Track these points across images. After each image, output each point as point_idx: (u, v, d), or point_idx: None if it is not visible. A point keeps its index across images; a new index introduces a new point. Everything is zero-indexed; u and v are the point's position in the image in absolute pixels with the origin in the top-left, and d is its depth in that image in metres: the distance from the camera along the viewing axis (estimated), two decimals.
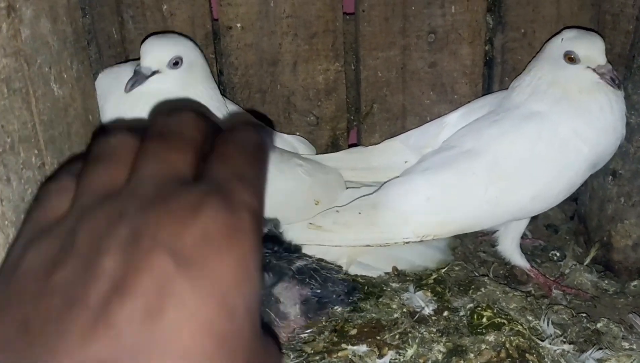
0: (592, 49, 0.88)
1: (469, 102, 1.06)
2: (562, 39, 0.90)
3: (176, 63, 0.88)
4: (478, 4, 1.04)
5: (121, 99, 0.86)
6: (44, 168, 0.67)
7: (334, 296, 0.79)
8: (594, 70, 0.88)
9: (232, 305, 0.24)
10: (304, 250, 0.97)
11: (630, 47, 0.94)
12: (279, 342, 0.39)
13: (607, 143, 0.91)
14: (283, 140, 1.05)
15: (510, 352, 0.77)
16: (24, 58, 0.63)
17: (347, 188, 1.03)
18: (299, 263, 0.77)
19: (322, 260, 0.83)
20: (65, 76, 0.74)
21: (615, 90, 0.89)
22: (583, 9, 1.04)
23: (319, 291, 0.77)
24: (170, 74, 0.88)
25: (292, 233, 0.97)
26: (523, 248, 1.03)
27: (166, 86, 0.87)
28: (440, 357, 0.79)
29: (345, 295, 0.81)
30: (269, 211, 0.94)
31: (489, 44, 1.08)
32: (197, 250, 0.24)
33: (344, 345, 0.81)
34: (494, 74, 1.10)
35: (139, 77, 0.85)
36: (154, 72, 0.86)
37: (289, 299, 0.76)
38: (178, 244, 0.24)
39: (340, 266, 0.89)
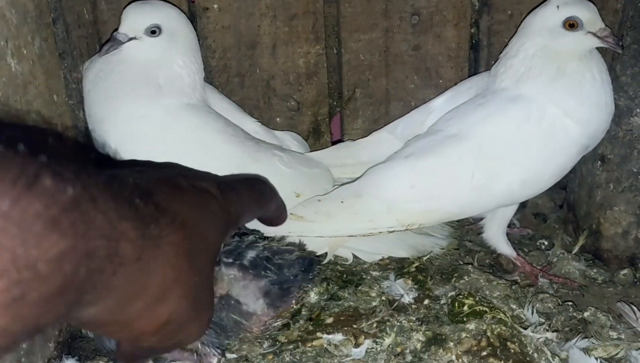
0: (593, 12, 0.86)
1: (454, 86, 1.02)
2: (557, 7, 0.87)
3: (154, 32, 0.86)
4: None
5: (101, 65, 0.86)
6: None
7: (293, 277, 0.75)
8: (594, 35, 0.85)
9: None
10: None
11: (619, 26, 0.91)
12: None
13: (599, 120, 0.88)
14: (273, 136, 1.02)
15: (492, 340, 0.74)
16: None
17: (339, 184, 0.99)
18: (250, 254, 0.74)
19: (271, 240, 0.80)
20: (25, 51, 0.71)
21: (603, 66, 0.86)
22: None
23: (276, 277, 0.74)
24: (147, 41, 0.87)
25: None
26: (511, 237, 1.00)
27: (142, 53, 0.87)
28: (419, 346, 0.76)
29: (304, 273, 0.77)
30: None
31: (474, 27, 1.05)
32: None
33: (319, 334, 0.78)
34: (480, 57, 1.07)
35: (114, 43, 0.85)
36: (130, 39, 0.85)
37: (250, 297, 0.73)
38: None
39: (293, 244, 0.85)
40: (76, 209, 0.28)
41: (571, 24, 0.86)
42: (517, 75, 0.90)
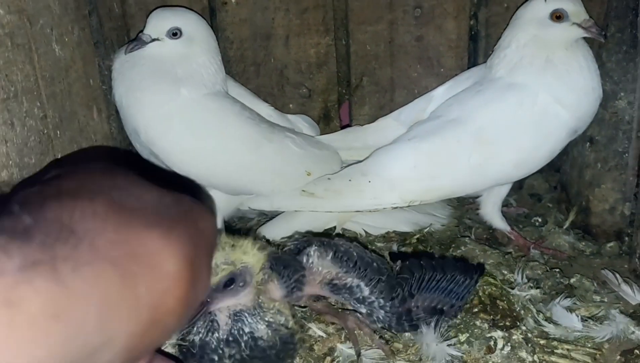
0: (577, 4, 0.93)
1: (455, 75, 1.10)
2: (545, 0, 0.94)
3: (175, 34, 0.94)
4: None
5: (124, 60, 0.94)
6: (45, 119, 0.72)
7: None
8: (579, 25, 0.92)
9: None
10: (297, 216, 1.03)
11: (604, 16, 0.99)
12: None
13: (587, 105, 0.95)
14: (286, 119, 1.10)
15: (483, 299, 0.82)
16: (27, 17, 0.69)
17: (346, 165, 1.06)
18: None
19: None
20: (66, 39, 0.80)
21: (590, 54, 0.94)
22: None
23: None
24: (169, 42, 0.95)
25: (285, 201, 1.03)
26: (508, 216, 1.07)
27: (164, 52, 0.95)
28: None
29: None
30: (260, 179, 1.00)
31: (473, 19, 1.13)
32: None
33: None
34: (479, 47, 1.14)
35: (139, 42, 0.93)
36: (153, 39, 0.93)
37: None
38: None
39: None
40: None
41: (558, 16, 0.93)
42: (511, 64, 0.97)
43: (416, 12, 1.11)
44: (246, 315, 0.67)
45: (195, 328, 0.67)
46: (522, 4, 1.06)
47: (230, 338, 0.67)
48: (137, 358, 0.35)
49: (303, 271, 0.74)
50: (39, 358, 0.28)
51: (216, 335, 0.67)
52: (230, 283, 0.64)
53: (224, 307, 0.66)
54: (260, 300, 0.68)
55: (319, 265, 0.75)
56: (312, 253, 0.76)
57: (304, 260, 0.75)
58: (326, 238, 0.82)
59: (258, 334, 0.67)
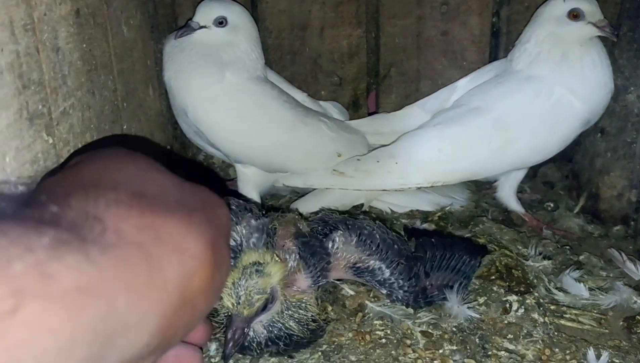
0: (593, 5, 1.02)
1: (477, 68, 1.18)
2: (563, 0, 1.03)
3: (221, 22, 1.03)
4: None
5: (174, 44, 1.03)
6: (115, 92, 0.82)
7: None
8: (594, 25, 1.00)
9: None
10: (328, 193, 1.11)
11: (618, 16, 1.07)
12: None
13: (599, 98, 1.03)
14: (318, 105, 1.19)
15: (499, 268, 0.90)
16: (105, 0, 0.78)
17: (374, 149, 1.14)
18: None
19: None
20: (131, 22, 0.89)
21: (603, 51, 1.02)
22: None
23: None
24: (215, 30, 1.03)
25: (317, 179, 1.11)
26: (522, 202, 1.15)
27: (210, 39, 1.03)
28: None
29: None
30: (295, 158, 1.09)
31: (496, 16, 1.21)
32: None
33: None
34: (500, 43, 1.23)
35: (188, 29, 1.02)
36: (201, 27, 1.02)
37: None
38: None
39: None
40: None
41: (575, 15, 1.01)
42: (530, 58, 1.06)
43: (443, 9, 1.19)
44: (278, 321, 0.72)
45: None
46: (542, 3, 1.14)
47: (269, 343, 0.73)
48: (174, 341, 0.36)
49: (329, 258, 0.78)
50: (75, 332, 0.28)
51: (255, 342, 0.72)
52: (264, 307, 0.70)
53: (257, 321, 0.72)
54: (287, 299, 0.72)
55: (344, 250, 0.79)
56: (337, 239, 0.79)
57: (330, 246, 0.79)
58: (351, 217, 0.86)
59: (291, 332, 0.73)
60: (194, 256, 0.35)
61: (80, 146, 0.68)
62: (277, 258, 0.72)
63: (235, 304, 0.67)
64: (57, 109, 0.62)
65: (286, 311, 0.72)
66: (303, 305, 0.74)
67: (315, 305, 0.75)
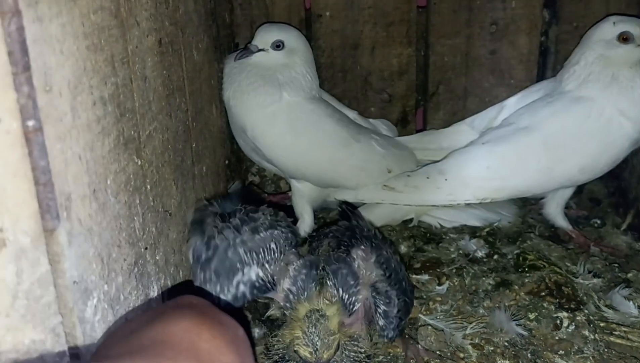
0: None
1: (524, 87, 1.21)
2: (614, 23, 1.05)
3: (278, 46, 1.08)
4: (536, 0, 1.20)
5: (233, 65, 1.09)
6: (187, 113, 0.87)
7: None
8: None
9: None
10: (379, 207, 1.15)
11: None
12: None
13: None
14: (368, 122, 1.24)
15: (549, 285, 0.93)
16: (180, 27, 0.84)
17: (422, 165, 1.17)
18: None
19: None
20: (200, 45, 0.95)
21: None
22: (630, 6, 1.19)
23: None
24: (272, 53, 1.08)
25: (368, 194, 1.15)
26: (568, 217, 1.17)
27: (268, 61, 1.08)
28: (489, 287, 0.96)
29: None
30: (347, 174, 1.13)
31: (544, 36, 1.24)
32: None
33: (409, 274, 0.98)
34: (548, 62, 1.25)
35: (247, 52, 1.07)
36: (259, 50, 1.07)
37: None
38: None
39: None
40: None
41: (625, 38, 1.04)
42: (580, 80, 1.08)
43: (492, 29, 1.22)
44: (337, 359, 0.73)
45: None
46: (590, 24, 1.16)
47: None
48: None
49: (358, 281, 0.77)
50: None
51: None
52: (338, 347, 0.72)
53: None
54: (342, 337, 0.73)
55: (364, 268, 0.78)
56: (356, 256, 0.79)
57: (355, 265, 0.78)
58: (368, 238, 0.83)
59: None
60: None
61: (160, 165, 0.73)
62: (326, 300, 0.74)
63: (314, 351, 0.70)
64: (144, 133, 0.67)
65: (344, 351, 0.74)
66: (355, 341, 0.74)
67: (368, 339, 0.76)
